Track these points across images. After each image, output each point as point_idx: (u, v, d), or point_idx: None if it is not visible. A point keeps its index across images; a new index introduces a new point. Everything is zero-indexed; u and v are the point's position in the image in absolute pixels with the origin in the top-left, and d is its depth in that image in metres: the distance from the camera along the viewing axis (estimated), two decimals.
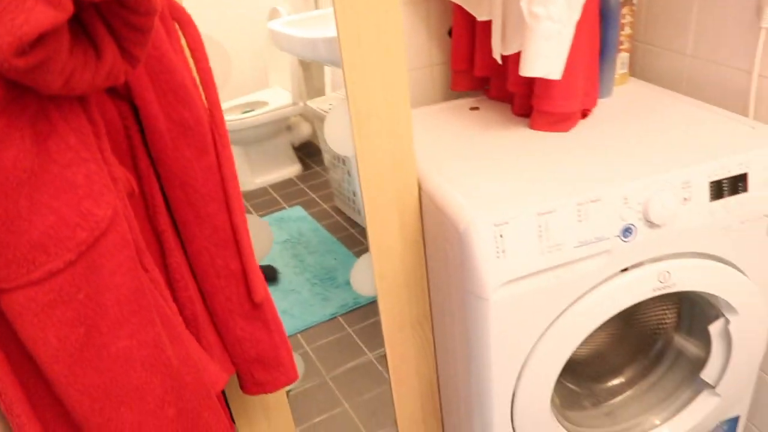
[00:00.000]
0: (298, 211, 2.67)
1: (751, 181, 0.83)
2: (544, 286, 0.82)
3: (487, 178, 0.86)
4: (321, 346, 1.92)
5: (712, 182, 0.82)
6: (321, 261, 2.29)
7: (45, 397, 0.51)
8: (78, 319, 0.48)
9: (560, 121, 0.98)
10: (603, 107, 1.05)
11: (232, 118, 2.53)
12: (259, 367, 0.81)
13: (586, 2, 0.88)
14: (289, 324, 1.91)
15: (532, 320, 0.84)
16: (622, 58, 1.11)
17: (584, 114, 1.02)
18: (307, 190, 2.91)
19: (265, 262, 2.18)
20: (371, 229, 0.95)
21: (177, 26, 0.63)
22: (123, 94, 0.62)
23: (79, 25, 0.44)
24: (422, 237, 0.99)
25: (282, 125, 2.93)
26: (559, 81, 0.92)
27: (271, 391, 0.83)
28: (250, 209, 2.69)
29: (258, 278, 0.76)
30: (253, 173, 2.85)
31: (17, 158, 0.43)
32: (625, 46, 1.10)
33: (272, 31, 1.97)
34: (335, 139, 0.88)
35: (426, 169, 0.94)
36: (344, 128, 0.88)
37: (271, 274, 1.98)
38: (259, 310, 0.78)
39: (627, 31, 1.08)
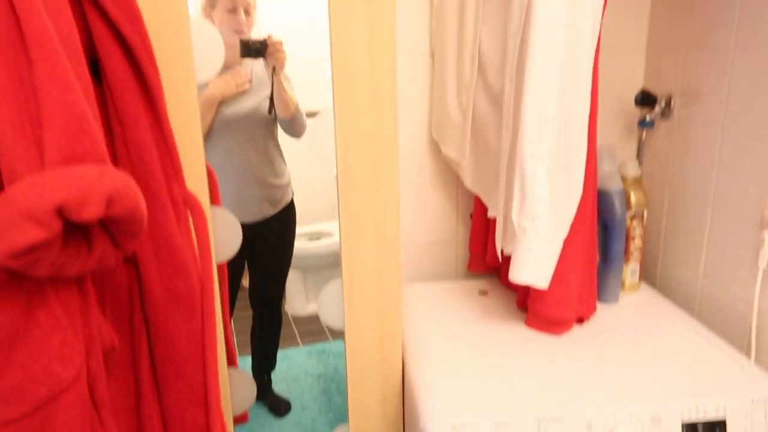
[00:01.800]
0: (340, 346, 2.71)
1: (729, 430, 0.80)
2: None
3: (464, 372, 0.89)
4: None
5: (686, 424, 0.79)
6: None
7: None
8: None
9: (553, 324, 1.00)
10: (605, 314, 1.07)
11: (297, 245, 2.69)
12: None
13: (582, 216, 0.94)
14: None
15: None
16: (632, 267, 1.13)
17: (581, 320, 1.03)
18: None
19: (294, 391, 2.21)
20: (352, 401, 0.98)
21: (188, 211, 0.76)
22: (133, 261, 0.74)
23: (76, 225, 0.55)
24: (403, 417, 1.01)
25: None
26: (550, 287, 0.96)
27: None
28: (297, 336, 2.77)
29: None
30: (308, 300, 2.97)
31: (4, 324, 0.54)
32: (635, 256, 1.12)
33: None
34: (328, 312, 0.95)
35: (414, 349, 0.98)
36: (337, 303, 0.96)
37: (283, 408, 2.02)
38: None
39: (637, 243, 1.12)
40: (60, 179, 0.48)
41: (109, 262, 0.60)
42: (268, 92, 1.75)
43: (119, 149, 0.66)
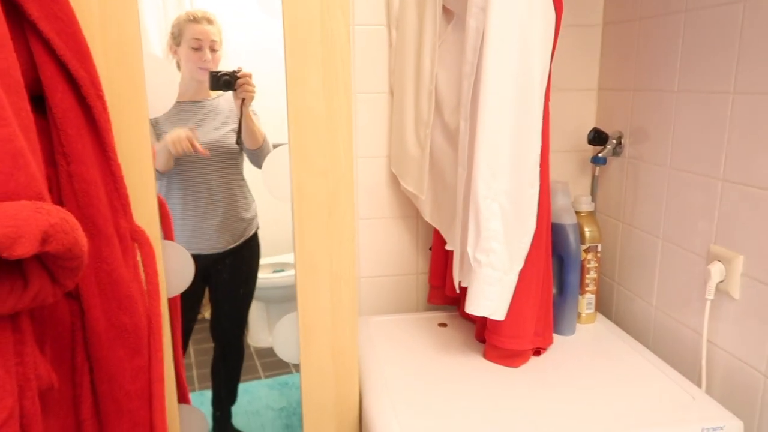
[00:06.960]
0: None
1: None
2: None
3: (422, 405, 0.88)
4: None
5: None
6: None
7: None
8: None
9: (510, 357, 1.00)
10: (561, 346, 1.07)
11: (261, 276, 2.65)
12: None
13: (537, 250, 0.95)
14: None
15: None
16: (588, 299, 1.15)
17: (538, 352, 1.04)
18: None
19: (255, 425, 2.16)
20: None
21: (136, 246, 0.75)
22: (75, 296, 0.72)
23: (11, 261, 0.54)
24: None
25: None
26: (506, 319, 0.96)
27: None
28: (259, 368, 2.71)
29: None
30: (271, 331, 2.92)
31: None
32: (591, 288, 1.14)
33: None
34: (283, 346, 0.94)
35: (372, 383, 0.96)
36: (292, 337, 0.94)
37: None
38: None
39: (592, 275, 1.14)
40: None
41: (47, 299, 0.58)
42: (233, 126, 1.75)
43: (63, 183, 0.65)
